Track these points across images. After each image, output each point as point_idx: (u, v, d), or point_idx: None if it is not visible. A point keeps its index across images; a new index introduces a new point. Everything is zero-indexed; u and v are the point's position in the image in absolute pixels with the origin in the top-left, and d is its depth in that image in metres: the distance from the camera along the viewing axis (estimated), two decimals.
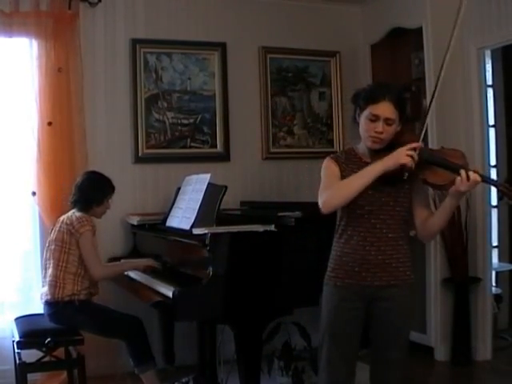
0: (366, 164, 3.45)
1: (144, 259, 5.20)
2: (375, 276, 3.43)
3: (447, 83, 5.92)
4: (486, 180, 3.30)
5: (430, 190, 3.64)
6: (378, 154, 3.42)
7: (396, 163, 3.26)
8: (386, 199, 3.41)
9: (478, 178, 3.16)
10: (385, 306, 3.45)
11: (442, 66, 3.54)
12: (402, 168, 3.26)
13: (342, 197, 3.36)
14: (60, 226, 4.95)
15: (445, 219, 3.41)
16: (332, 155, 3.60)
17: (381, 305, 3.46)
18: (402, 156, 3.25)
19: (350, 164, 3.51)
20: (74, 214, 4.95)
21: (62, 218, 5.01)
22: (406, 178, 3.29)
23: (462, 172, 3.16)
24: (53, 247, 4.94)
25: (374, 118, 3.36)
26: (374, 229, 3.42)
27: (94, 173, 5.18)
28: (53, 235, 5.00)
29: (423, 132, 3.41)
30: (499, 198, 3.04)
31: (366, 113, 3.39)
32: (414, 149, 3.26)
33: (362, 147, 3.53)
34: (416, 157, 3.24)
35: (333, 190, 3.42)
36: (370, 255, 3.43)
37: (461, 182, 3.16)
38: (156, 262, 5.07)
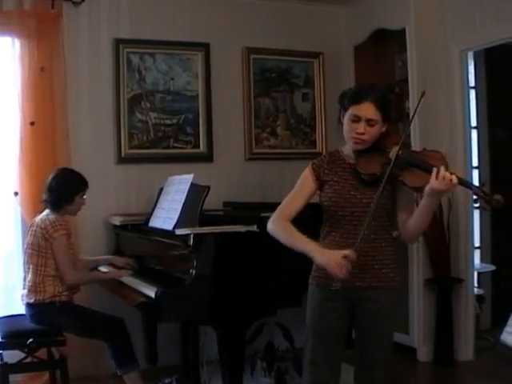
0: (350, 166, 3.46)
1: (119, 271, 5.16)
2: (357, 277, 3.40)
3: (430, 85, 5.99)
4: (464, 183, 3.26)
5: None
6: (362, 155, 3.42)
7: (326, 267, 3.25)
8: (367, 201, 3.38)
9: (455, 180, 3.13)
10: (371, 307, 3.44)
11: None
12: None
13: (280, 239, 3.48)
14: (35, 230, 4.91)
15: (422, 220, 3.36)
16: (315, 161, 3.59)
17: (367, 306, 3.45)
18: (332, 264, 3.21)
19: (333, 167, 3.51)
20: (47, 216, 4.91)
21: (36, 221, 4.97)
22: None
23: (435, 169, 3.15)
24: (30, 251, 4.91)
25: (356, 119, 3.35)
26: (355, 231, 3.39)
27: (63, 170, 5.14)
28: (29, 238, 4.96)
29: (401, 141, 3.36)
30: (474, 201, 3.04)
31: (348, 113, 3.39)
32: (351, 259, 3.20)
33: (347, 149, 3.52)
34: (350, 267, 3.19)
35: (282, 227, 3.49)
36: None
37: (434, 179, 3.14)
38: (128, 270, 5.05)
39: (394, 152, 3.33)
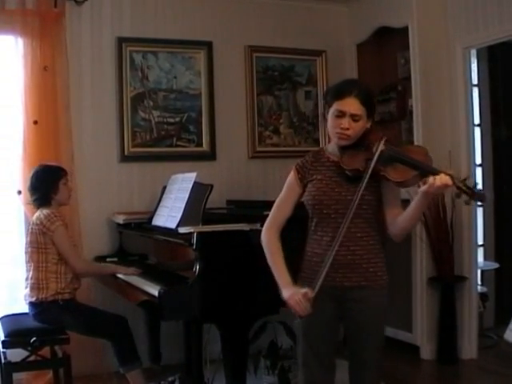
0: (334, 163, 3.44)
1: (126, 268, 5.12)
2: (344, 276, 3.39)
3: (433, 82, 5.98)
4: (457, 184, 3.13)
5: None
6: (346, 151, 3.39)
7: (287, 302, 3.36)
8: (352, 198, 3.31)
9: (450, 182, 3.07)
10: (357, 307, 3.41)
11: None
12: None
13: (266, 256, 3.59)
14: (32, 228, 4.93)
15: (413, 218, 3.32)
16: (299, 162, 3.58)
17: (353, 307, 3.42)
18: (292, 302, 3.32)
19: (318, 166, 3.50)
20: (41, 212, 4.92)
21: (32, 219, 4.99)
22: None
23: (433, 175, 3.09)
24: (30, 250, 4.93)
25: (340, 114, 3.32)
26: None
27: (38, 166, 5.13)
28: (28, 238, 4.99)
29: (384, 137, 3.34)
30: (456, 196, 2.94)
31: (332, 109, 3.36)
32: (308, 298, 3.25)
33: (332, 146, 3.49)
34: (307, 305, 3.26)
35: (270, 250, 3.60)
36: (338, 255, 3.34)
37: (432, 180, 3.08)
38: (137, 270, 5.01)
39: (376, 147, 3.31)
